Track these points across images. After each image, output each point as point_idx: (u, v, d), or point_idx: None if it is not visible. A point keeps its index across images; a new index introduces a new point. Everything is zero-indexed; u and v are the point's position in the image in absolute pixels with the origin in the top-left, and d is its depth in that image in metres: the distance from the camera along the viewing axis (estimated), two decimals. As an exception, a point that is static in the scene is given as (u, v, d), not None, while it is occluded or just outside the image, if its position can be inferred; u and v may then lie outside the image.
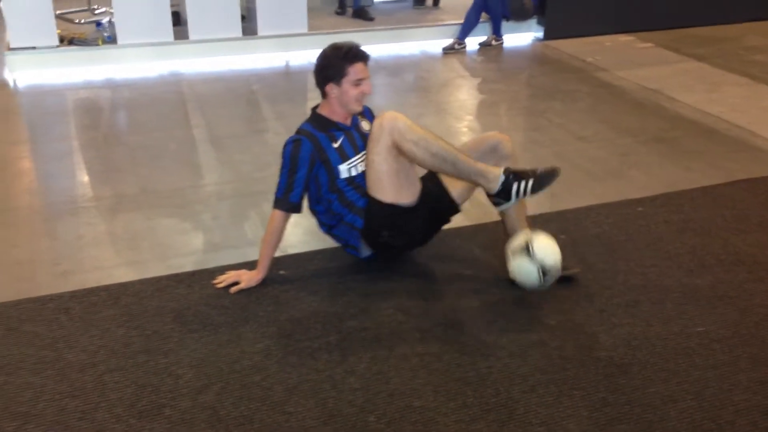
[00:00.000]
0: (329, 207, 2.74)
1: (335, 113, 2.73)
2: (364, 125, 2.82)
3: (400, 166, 2.62)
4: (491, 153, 2.75)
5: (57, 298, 2.65)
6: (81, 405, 2.14)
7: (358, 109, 2.72)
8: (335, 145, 2.69)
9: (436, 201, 2.75)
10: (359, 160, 2.73)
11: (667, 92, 5.00)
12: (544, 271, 2.53)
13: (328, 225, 2.81)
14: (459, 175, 2.61)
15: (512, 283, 2.65)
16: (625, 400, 2.18)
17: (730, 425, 2.09)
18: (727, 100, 4.85)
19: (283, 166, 2.66)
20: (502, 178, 2.55)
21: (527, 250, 2.54)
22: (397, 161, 2.60)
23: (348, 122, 2.77)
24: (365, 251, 2.81)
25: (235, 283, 2.69)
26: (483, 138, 2.82)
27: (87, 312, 2.57)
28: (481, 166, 2.58)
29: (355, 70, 2.63)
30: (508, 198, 2.56)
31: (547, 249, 2.56)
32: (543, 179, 2.53)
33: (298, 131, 2.71)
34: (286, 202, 2.66)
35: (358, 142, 2.76)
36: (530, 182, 2.53)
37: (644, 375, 2.29)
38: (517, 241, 2.60)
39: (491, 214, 3.01)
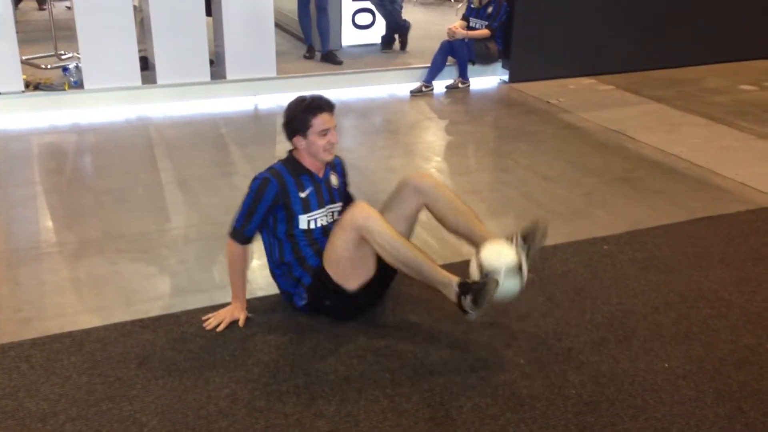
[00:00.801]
0: (282, 255, 2.74)
1: (307, 163, 2.73)
2: (333, 180, 2.83)
3: (361, 255, 2.61)
4: (416, 195, 2.77)
5: (18, 345, 2.59)
6: (41, 456, 2.08)
7: (329, 158, 2.72)
8: (302, 195, 2.69)
9: (383, 279, 2.74)
10: (321, 215, 2.74)
11: (629, 133, 5.12)
12: (506, 276, 2.50)
13: (277, 273, 2.80)
14: (422, 281, 2.59)
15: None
16: (594, 438, 2.19)
17: (698, 461, 2.11)
18: (687, 141, 4.98)
19: (246, 198, 2.67)
20: (456, 290, 2.49)
21: (482, 275, 2.52)
22: (359, 250, 2.59)
23: (321, 174, 2.77)
24: (302, 301, 2.77)
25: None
26: (402, 185, 2.82)
27: (49, 360, 2.51)
28: (442, 275, 2.54)
29: (319, 121, 2.63)
30: (464, 312, 2.50)
31: (493, 259, 2.50)
32: (479, 294, 2.43)
33: (270, 169, 2.71)
34: (241, 234, 2.68)
35: (325, 197, 2.76)
36: (469, 298, 2.45)
37: (613, 412, 2.30)
38: (471, 271, 2.56)
39: (459, 253, 3.03)
